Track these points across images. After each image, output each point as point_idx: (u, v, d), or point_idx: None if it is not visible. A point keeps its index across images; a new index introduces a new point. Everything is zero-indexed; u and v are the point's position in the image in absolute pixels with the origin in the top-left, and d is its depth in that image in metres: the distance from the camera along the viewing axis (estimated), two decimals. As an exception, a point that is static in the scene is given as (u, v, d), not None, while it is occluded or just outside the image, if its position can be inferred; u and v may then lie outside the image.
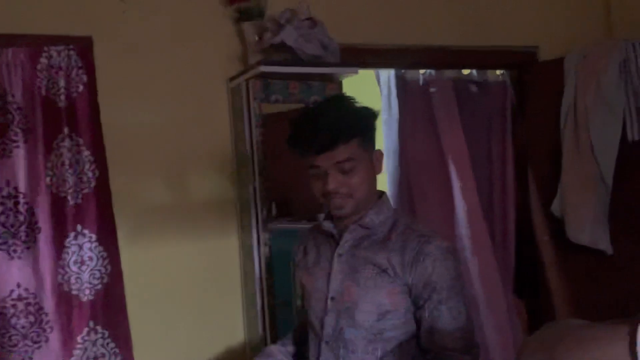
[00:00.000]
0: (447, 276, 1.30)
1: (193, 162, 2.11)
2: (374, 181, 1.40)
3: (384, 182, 2.58)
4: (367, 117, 1.37)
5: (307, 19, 1.91)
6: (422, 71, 2.60)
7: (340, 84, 2.01)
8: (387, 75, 2.60)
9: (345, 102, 1.37)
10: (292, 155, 1.36)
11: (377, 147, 1.41)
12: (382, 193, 1.44)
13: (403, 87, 2.58)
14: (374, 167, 1.38)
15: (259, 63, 1.87)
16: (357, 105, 1.37)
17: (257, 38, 1.92)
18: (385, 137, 2.59)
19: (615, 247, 2.32)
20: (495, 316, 2.55)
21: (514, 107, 2.70)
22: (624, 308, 2.20)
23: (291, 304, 2.09)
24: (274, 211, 2.08)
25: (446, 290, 1.30)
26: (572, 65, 2.43)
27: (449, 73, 2.63)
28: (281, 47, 1.83)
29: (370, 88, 2.61)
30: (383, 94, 2.60)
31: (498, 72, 2.72)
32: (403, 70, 2.57)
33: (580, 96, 2.39)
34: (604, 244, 2.32)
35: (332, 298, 1.38)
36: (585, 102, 2.36)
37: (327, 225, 1.43)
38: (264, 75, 1.89)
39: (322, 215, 1.53)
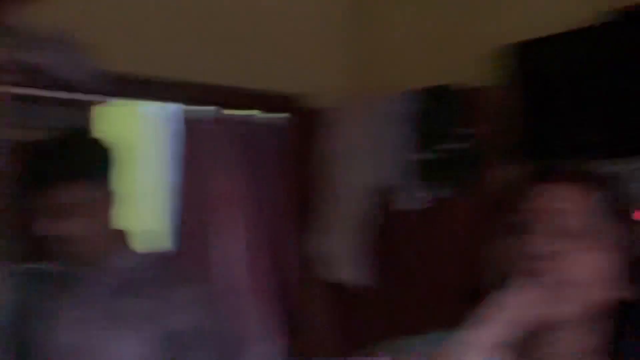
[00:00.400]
0: (207, 324, 1.27)
1: None
2: (108, 224, 1.32)
3: (163, 220, 2.47)
4: (103, 155, 1.31)
5: (70, 41, 1.77)
6: (203, 108, 2.58)
7: (95, 114, 1.90)
8: (168, 109, 2.52)
9: (81, 140, 1.33)
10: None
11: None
12: (129, 235, 1.37)
13: (183, 123, 2.52)
14: (108, 208, 1.31)
15: (8, 84, 1.68)
16: (94, 143, 1.31)
17: (7, 57, 1.73)
18: (163, 173, 2.50)
19: (370, 284, 2.51)
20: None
21: (288, 152, 2.82)
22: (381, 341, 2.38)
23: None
24: (19, 250, 1.84)
25: (205, 339, 1.26)
26: (340, 114, 2.65)
27: (232, 113, 2.65)
28: (35, 69, 1.67)
29: (143, 121, 2.51)
30: (162, 129, 2.52)
31: (281, 115, 2.83)
32: (184, 106, 2.52)
33: (341, 144, 2.60)
34: (361, 281, 2.51)
35: (78, 349, 1.27)
36: (345, 149, 2.58)
37: (73, 270, 1.32)
38: (14, 98, 1.70)
39: (69, 259, 1.40)
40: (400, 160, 2.48)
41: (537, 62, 2.53)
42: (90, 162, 1.28)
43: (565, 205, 0.78)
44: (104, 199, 1.29)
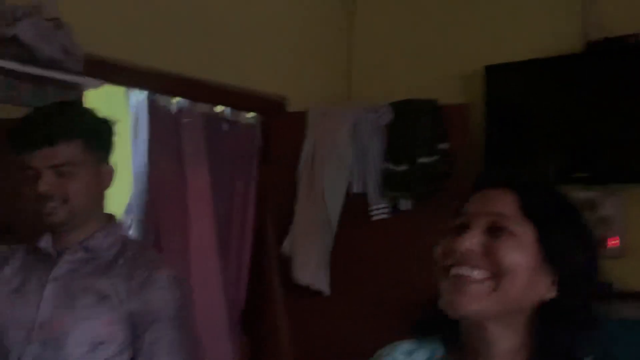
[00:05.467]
0: (172, 306, 1.26)
1: None
2: (99, 194, 1.32)
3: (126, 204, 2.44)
4: (97, 122, 1.31)
5: (52, 19, 1.74)
6: (174, 99, 2.56)
7: (81, 95, 1.86)
8: (138, 96, 2.49)
9: (76, 105, 1.31)
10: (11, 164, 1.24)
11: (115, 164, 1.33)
12: (112, 215, 1.38)
13: (154, 112, 2.49)
14: (102, 179, 1.31)
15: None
16: (89, 109, 1.32)
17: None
18: (132, 159, 2.47)
19: (332, 288, 2.54)
20: (217, 356, 2.53)
21: (260, 151, 2.82)
22: (338, 345, 2.44)
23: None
24: None
25: (169, 321, 1.25)
26: (314, 119, 2.68)
27: (202, 107, 2.64)
28: (12, 42, 1.63)
29: (119, 107, 2.46)
30: (132, 115, 2.49)
31: (249, 114, 2.83)
32: (155, 94, 2.49)
33: (317, 148, 2.63)
34: (323, 285, 2.53)
35: (39, 327, 1.24)
36: (321, 154, 2.61)
37: (45, 243, 1.29)
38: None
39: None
40: (371, 170, 2.53)
41: (504, 86, 2.63)
42: (88, 124, 1.27)
43: (494, 208, 0.84)
44: (103, 171, 1.30)
